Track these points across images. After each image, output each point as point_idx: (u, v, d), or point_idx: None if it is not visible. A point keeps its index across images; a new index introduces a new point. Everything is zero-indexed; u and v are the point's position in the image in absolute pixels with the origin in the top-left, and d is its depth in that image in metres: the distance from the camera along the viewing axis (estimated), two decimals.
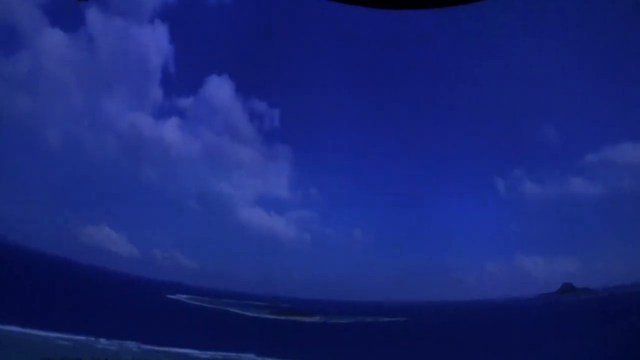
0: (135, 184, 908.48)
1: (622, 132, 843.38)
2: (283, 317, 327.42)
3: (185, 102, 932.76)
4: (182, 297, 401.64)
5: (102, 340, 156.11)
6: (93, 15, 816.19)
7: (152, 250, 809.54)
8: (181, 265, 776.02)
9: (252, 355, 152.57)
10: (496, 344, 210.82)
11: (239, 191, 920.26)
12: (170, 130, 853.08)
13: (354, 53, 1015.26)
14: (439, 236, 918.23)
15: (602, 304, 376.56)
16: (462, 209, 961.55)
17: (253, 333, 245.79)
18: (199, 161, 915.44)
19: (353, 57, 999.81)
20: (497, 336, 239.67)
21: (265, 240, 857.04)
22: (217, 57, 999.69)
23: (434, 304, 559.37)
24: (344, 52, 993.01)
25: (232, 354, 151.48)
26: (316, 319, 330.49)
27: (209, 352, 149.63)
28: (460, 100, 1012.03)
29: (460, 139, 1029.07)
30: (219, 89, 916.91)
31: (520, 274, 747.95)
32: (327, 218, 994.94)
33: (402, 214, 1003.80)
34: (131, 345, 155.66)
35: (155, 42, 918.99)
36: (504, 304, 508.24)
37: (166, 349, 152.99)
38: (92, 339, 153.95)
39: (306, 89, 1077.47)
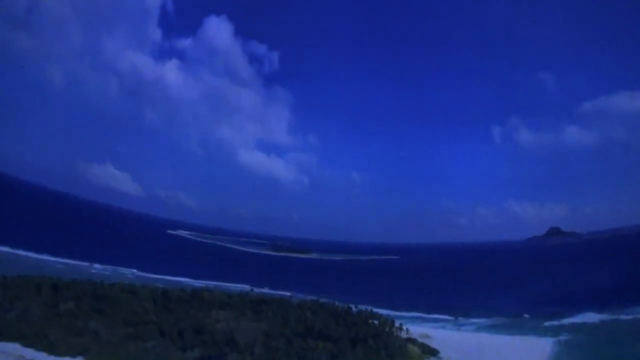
0: (137, 125, 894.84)
1: (619, 81, 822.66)
2: (281, 254, 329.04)
3: (184, 43, 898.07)
4: (183, 232, 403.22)
5: (97, 266, 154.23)
6: None
7: (155, 190, 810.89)
8: (184, 204, 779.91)
9: (246, 286, 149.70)
10: (484, 279, 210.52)
11: (239, 134, 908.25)
12: (170, 72, 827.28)
13: None
14: (434, 180, 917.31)
15: (585, 246, 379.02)
16: (457, 155, 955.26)
17: (250, 267, 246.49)
18: (199, 104, 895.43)
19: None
20: (486, 272, 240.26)
21: (265, 183, 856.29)
22: None
23: (428, 245, 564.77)
24: None
25: (226, 284, 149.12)
26: (312, 255, 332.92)
27: (202, 281, 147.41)
28: (460, 47, 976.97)
29: (458, 86, 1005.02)
30: (218, 30, 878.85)
31: (510, 218, 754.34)
32: (326, 161, 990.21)
33: (399, 158, 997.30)
34: (124, 271, 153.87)
35: None
36: (494, 245, 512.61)
37: (160, 276, 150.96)
38: (86, 264, 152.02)
39: (306, 32, 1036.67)
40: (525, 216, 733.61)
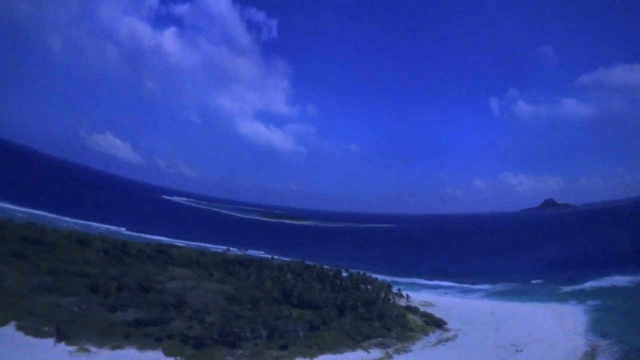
0: (136, 93, 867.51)
1: (617, 54, 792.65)
2: (275, 220, 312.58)
3: (181, 9, 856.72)
4: (179, 199, 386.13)
5: (66, 219, 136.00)
6: None
7: (155, 159, 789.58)
8: (183, 174, 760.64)
9: (231, 248, 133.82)
10: (484, 247, 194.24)
11: (238, 104, 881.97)
12: (169, 41, 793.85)
13: None
14: (431, 152, 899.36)
15: (583, 216, 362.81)
16: (455, 127, 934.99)
17: (242, 231, 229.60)
18: (197, 72, 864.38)
19: None
20: (485, 240, 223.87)
21: (263, 153, 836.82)
22: None
23: (425, 216, 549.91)
24: None
25: (208, 245, 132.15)
26: (307, 222, 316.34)
27: (183, 241, 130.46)
28: (459, 19, 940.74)
29: (457, 58, 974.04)
30: None
31: (506, 190, 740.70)
32: (324, 132, 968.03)
33: (397, 130, 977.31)
34: (98, 226, 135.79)
35: None
36: (490, 216, 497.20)
37: (135, 234, 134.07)
38: (54, 216, 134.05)
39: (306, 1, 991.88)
40: (520, 188, 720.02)
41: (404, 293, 74.02)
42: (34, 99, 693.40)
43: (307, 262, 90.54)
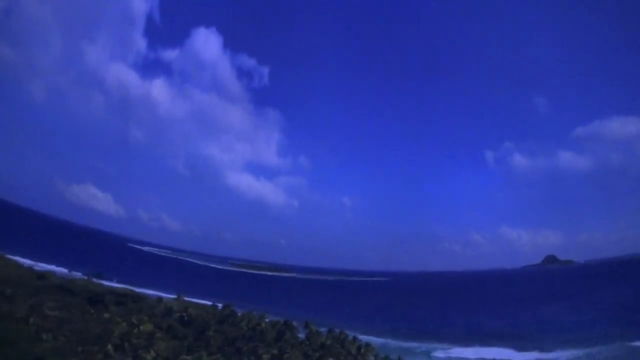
0: (120, 143, 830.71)
1: (612, 106, 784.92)
2: (253, 271, 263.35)
3: (170, 55, 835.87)
4: (151, 249, 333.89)
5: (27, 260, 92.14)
6: None
7: (137, 212, 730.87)
8: (167, 227, 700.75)
9: (206, 301, 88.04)
10: (477, 305, 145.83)
11: (227, 155, 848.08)
12: (157, 88, 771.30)
13: (349, 15, 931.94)
14: (427, 206, 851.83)
15: (589, 271, 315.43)
16: (451, 180, 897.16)
17: (207, 280, 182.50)
18: (186, 122, 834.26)
19: (348, 19, 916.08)
20: (506, 296, 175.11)
21: (253, 206, 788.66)
22: (204, 8, 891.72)
23: (422, 273, 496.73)
24: (340, 12, 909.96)
25: (162, 294, 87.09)
26: (289, 274, 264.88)
27: (140, 289, 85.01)
28: (454, 72, 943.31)
29: (452, 110, 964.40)
30: (206, 43, 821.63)
31: (504, 245, 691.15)
32: (316, 185, 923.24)
33: (392, 183, 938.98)
34: (53, 268, 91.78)
35: None
36: (490, 274, 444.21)
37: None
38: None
39: (297, 46, 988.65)
40: (519, 243, 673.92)
41: None
42: (9, 148, 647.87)
43: (236, 309, 45.34)
